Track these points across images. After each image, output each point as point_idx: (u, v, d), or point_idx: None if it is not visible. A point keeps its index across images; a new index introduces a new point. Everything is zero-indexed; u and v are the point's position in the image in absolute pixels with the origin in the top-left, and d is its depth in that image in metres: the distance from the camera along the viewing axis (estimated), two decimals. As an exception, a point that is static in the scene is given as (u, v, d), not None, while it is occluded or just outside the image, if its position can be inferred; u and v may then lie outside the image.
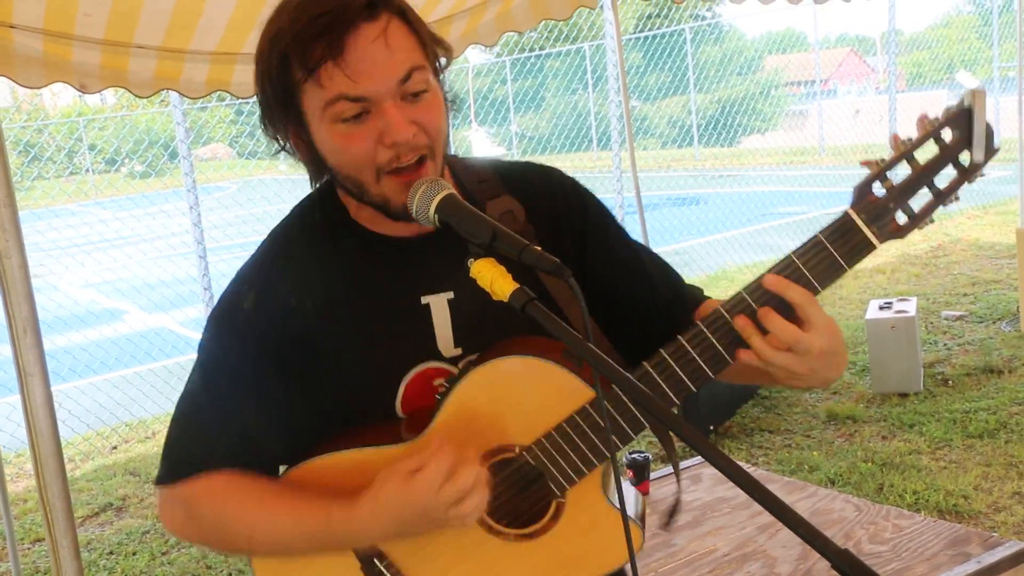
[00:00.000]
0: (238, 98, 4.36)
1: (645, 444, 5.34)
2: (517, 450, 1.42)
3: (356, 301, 1.45)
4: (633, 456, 3.40)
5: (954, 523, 2.96)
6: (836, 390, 5.84)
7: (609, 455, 1.39)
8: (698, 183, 19.29)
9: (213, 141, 24.96)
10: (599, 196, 1.69)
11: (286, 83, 1.34)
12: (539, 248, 1.22)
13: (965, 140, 1.22)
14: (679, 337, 1.35)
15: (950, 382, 5.73)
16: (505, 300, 1.22)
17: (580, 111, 24.33)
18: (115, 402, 6.97)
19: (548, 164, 1.68)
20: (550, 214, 1.53)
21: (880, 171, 1.27)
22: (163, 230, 11.09)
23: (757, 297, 1.31)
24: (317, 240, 1.49)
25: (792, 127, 25.09)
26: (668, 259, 1.70)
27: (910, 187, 1.27)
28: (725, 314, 1.32)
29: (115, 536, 4.76)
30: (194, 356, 1.55)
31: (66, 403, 6.38)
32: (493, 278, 1.23)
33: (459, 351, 1.47)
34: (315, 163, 1.41)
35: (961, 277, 8.60)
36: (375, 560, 1.44)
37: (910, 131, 1.29)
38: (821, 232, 1.31)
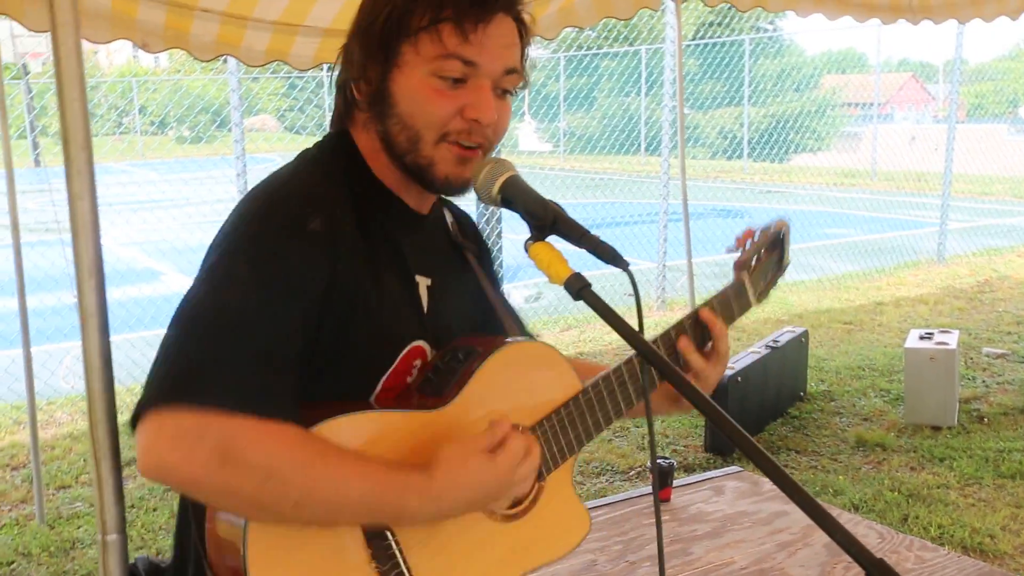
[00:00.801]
0: (295, 70, 4.38)
1: (670, 451, 5.32)
2: (520, 430, 1.44)
3: (386, 260, 1.42)
4: (658, 462, 3.37)
5: (978, 560, 2.91)
6: (868, 416, 5.78)
7: (650, 441, 1.39)
8: (745, 196, 19.14)
9: (263, 112, 25.19)
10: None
11: (400, 22, 1.37)
12: (597, 235, 1.23)
13: (780, 251, 1.85)
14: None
15: (985, 419, 5.63)
16: (560, 284, 1.23)
17: (631, 114, 24.24)
18: (147, 359, 7.01)
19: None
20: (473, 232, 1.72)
21: (750, 255, 1.79)
22: (209, 195, 11.21)
23: (690, 325, 1.66)
24: (348, 186, 1.42)
25: (845, 148, 24.83)
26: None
27: (763, 271, 1.83)
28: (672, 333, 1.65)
29: (138, 491, 4.81)
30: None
31: (100, 356, 6.43)
32: (550, 262, 1.25)
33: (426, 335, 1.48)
34: (378, 102, 1.41)
35: (1006, 315, 8.47)
36: (386, 534, 1.32)
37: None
38: (728, 288, 1.74)
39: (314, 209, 1.32)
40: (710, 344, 1.67)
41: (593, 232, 1.27)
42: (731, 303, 1.73)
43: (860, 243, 12.00)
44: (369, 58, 1.40)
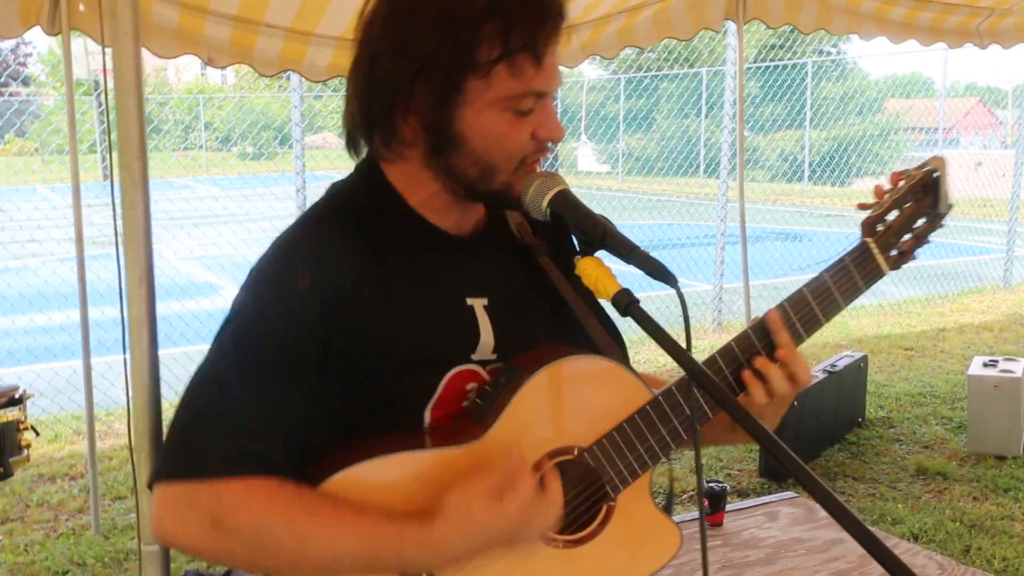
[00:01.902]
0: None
1: (723, 475, 5.25)
2: (576, 452, 1.40)
3: (411, 292, 1.37)
4: (710, 485, 3.32)
5: (1044, 596, 2.81)
6: (929, 444, 5.64)
7: (696, 448, 1.37)
8: (804, 220, 18.89)
9: (324, 130, 25.53)
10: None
11: (466, 58, 1.26)
12: (646, 251, 1.21)
13: (933, 196, 1.51)
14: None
15: (1052, 450, 5.47)
16: (608, 299, 1.21)
17: (690, 136, 24.11)
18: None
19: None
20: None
21: (883, 213, 1.51)
22: (269, 212, 11.37)
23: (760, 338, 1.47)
24: (368, 225, 1.36)
25: (908, 173, 24.35)
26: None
27: (901, 229, 1.52)
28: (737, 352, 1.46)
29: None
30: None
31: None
32: (598, 277, 1.23)
33: (495, 356, 1.43)
34: (440, 139, 1.32)
35: (1075, 345, 8.23)
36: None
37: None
38: (847, 255, 1.50)
39: (301, 267, 1.31)
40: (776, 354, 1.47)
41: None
42: (851, 272, 1.50)
43: (922, 268, 11.75)
44: (430, 98, 1.29)
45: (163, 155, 23.60)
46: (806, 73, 20.94)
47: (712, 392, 1.11)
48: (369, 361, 1.32)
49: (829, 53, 27.80)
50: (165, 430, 1.38)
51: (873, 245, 1.50)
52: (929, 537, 4.38)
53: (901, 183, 1.51)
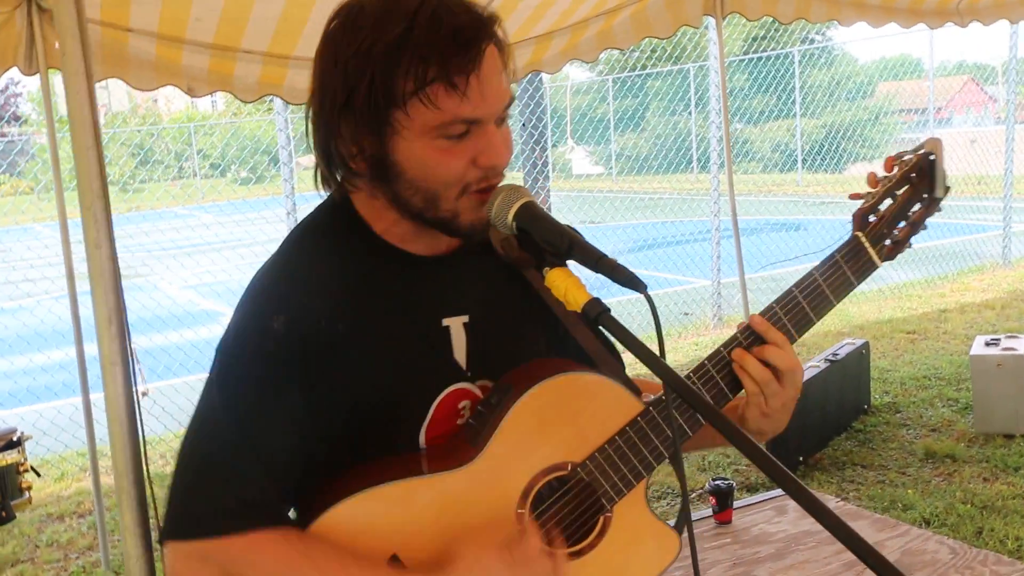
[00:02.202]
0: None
1: (731, 472, 5.22)
2: (569, 467, 1.41)
3: (387, 320, 1.38)
4: (716, 483, 3.30)
5: (1058, 574, 2.78)
6: (936, 427, 5.62)
7: (676, 463, 1.37)
8: (800, 209, 18.87)
9: (317, 150, 25.47)
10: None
11: (384, 91, 1.25)
12: (614, 259, 1.20)
13: (928, 181, 1.47)
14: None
15: (1060, 425, 5.44)
16: (578, 310, 1.20)
17: (681, 132, 24.12)
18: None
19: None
20: None
21: (875, 203, 1.48)
22: (261, 236, 11.37)
23: (746, 337, 1.47)
24: (340, 256, 1.39)
25: (902, 156, 24.31)
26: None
27: (895, 217, 1.49)
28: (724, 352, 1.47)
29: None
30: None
31: (160, 400, 6.56)
32: (567, 288, 1.22)
33: (468, 374, 1.44)
34: (382, 170, 1.32)
35: (1077, 317, 8.21)
36: None
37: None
38: (837, 252, 1.49)
39: (275, 310, 1.34)
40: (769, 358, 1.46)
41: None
42: (841, 268, 1.49)
43: (921, 250, 11.70)
44: (360, 131, 1.29)
45: (158, 185, 23.62)
46: (793, 62, 20.94)
47: (687, 399, 1.10)
48: (355, 394, 1.34)
49: (815, 41, 27.77)
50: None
51: (864, 239, 1.48)
52: (941, 521, 4.35)
53: (895, 168, 1.48)
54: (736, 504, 3.32)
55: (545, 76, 8.26)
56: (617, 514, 1.44)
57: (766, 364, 1.45)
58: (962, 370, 6.47)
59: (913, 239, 1.51)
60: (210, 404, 1.34)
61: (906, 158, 1.48)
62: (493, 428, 1.34)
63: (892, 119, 26.75)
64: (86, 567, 4.65)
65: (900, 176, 1.48)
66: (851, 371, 5.73)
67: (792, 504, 3.34)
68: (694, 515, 3.02)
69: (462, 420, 1.41)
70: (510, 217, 1.29)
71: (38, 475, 4.12)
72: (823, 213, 17.75)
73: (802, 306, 1.47)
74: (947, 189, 1.48)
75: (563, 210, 15.31)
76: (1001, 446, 5.19)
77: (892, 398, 6.21)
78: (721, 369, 1.47)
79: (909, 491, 4.72)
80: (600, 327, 1.20)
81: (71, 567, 4.67)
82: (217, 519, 1.30)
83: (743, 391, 1.48)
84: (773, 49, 22.55)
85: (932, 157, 1.46)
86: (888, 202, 1.48)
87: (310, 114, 1.36)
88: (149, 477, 1.55)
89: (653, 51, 21.12)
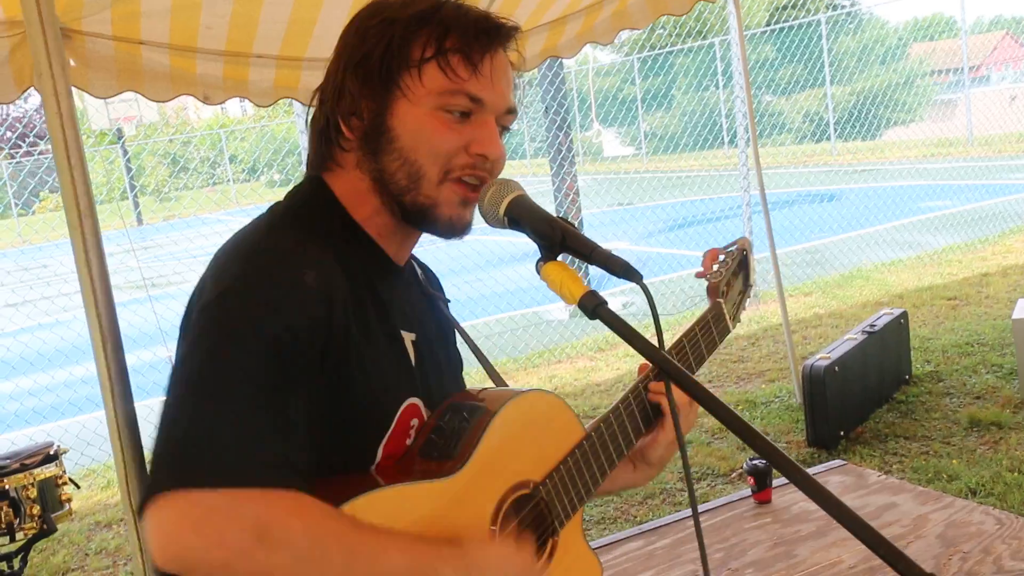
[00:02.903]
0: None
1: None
2: (531, 486, 1.41)
3: (373, 314, 1.34)
4: (755, 463, 3.27)
5: (1109, 541, 2.72)
6: (980, 395, 5.51)
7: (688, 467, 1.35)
8: (833, 179, 18.61)
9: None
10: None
11: (400, 53, 1.31)
12: (607, 250, 1.18)
13: (745, 273, 1.88)
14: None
15: (1108, 386, 5.32)
16: (575, 303, 1.18)
17: (710, 108, 23.91)
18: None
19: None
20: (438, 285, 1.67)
21: (721, 281, 1.79)
22: (299, 235, 11.51)
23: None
24: (329, 243, 1.32)
25: (939, 118, 23.94)
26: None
27: (735, 296, 1.85)
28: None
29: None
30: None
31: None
32: (563, 281, 1.21)
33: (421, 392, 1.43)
34: (375, 137, 1.33)
35: (1123, 275, 8.02)
36: None
37: None
38: (705, 315, 1.74)
39: (306, 263, 1.24)
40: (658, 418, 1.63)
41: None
42: (711, 328, 1.74)
43: (960, 214, 11.53)
44: (365, 91, 1.32)
45: (192, 193, 23.90)
46: (820, 30, 20.65)
47: (687, 387, 1.08)
48: (348, 378, 1.27)
49: (843, 6, 27.36)
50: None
51: (724, 305, 1.78)
52: (987, 491, 4.27)
53: (723, 258, 1.82)
54: (775, 483, 3.28)
55: (568, 61, 8.22)
56: (562, 539, 1.46)
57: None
58: (1006, 335, 6.35)
59: (741, 316, 1.89)
60: (230, 333, 1.16)
61: (728, 251, 1.85)
62: (475, 441, 1.32)
63: (926, 81, 26.29)
64: (134, 572, 4.72)
65: (732, 263, 1.83)
66: (890, 341, 5.64)
67: (833, 480, 3.29)
68: (733, 496, 3.00)
69: (410, 440, 1.36)
70: (502, 211, 1.28)
71: (77, 487, 4.18)
72: (858, 182, 17.52)
73: (688, 355, 1.70)
74: (752, 284, 1.90)
75: (591, 194, 15.21)
76: (1048, 411, 5.09)
77: (934, 367, 6.11)
78: (638, 403, 1.59)
79: (954, 461, 4.64)
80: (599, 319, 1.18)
81: (120, 573, 4.75)
82: (266, 466, 1.09)
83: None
84: (798, 18, 22.22)
85: (745, 252, 1.86)
86: (729, 281, 1.82)
87: (320, 91, 1.39)
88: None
89: (676, 28, 20.93)
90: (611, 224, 14.63)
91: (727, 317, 1.78)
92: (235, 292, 1.19)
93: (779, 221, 5.36)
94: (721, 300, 1.77)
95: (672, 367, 1.08)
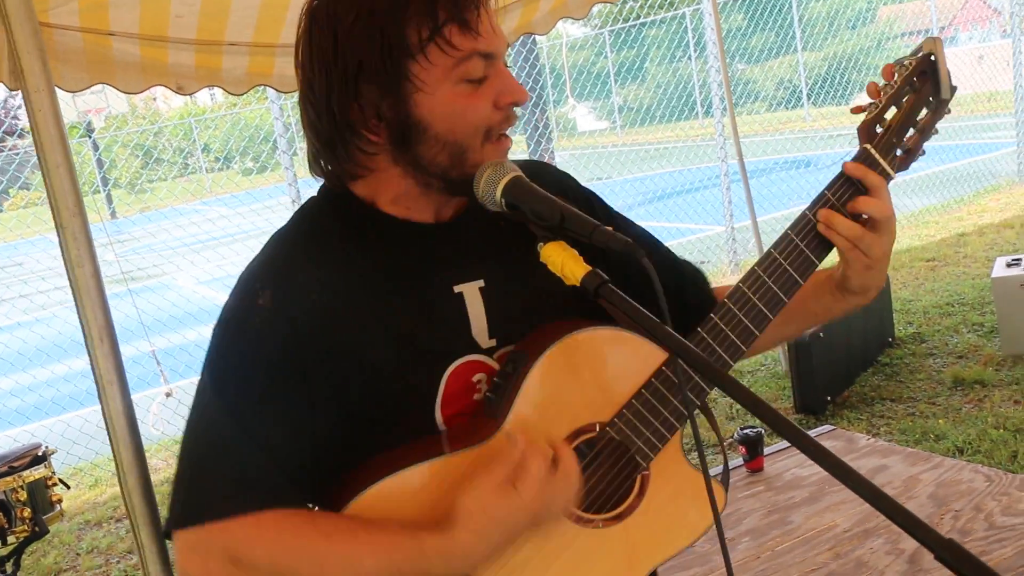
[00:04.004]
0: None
1: (757, 419, 5.20)
2: (597, 428, 1.35)
3: (388, 292, 1.33)
4: (746, 432, 3.30)
5: (1099, 492, 2.76)
6: (962, 354, 5.56)
7: (688, 415, 1.31)
8: (808, 145, 18.67)
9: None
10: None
11: (398, 46, 1.25)
12: (610, 228, 1.16)
13: (933, 83, 1.42)
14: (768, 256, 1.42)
15: (1089, 340, 5.37)
16: (577, 284, 1.17)
17: (683, 79, 23.87)
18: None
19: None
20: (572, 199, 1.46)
21: (879, 112, 1.43)
22: (268, 225, 11.38)
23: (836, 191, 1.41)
24: (333, 236, 1.36)
25: (909, 80, 23.95)
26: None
27: (902, 126, 1.43)
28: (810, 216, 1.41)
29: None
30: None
31: (185, 399, 6.54)
32: (564, 261, 1.19)
33: (493, 342, 1.38)
34: (405, 133, 1.29)
35: (1098, 229, 8.10)
36: None
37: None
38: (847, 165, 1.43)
39: (261, 285, 1.31)
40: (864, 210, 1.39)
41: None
42: (855, 184, 1.43)
43: (934, 175, 11.57)
44: (376, 95, 1.27)
45: (167, 184, 23.66)
46: (790, -3, 20.63)
47: (697, 366, 1.07)
48: (361, 374, 1.30)
49: (811, -28, 27.33)
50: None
51: (873, 151, 1.42)
52: (974, 448, 4.32)
53: (896, 75, 1.42)
54: (766, 451, 3.30)
55: (540, 36, 8.20)
56: (655, 471, 1.38)
57: (858, 218, 1.40)
58: (985, 293, 6.41)
59: (925, 146, 1.47)
60: (205, 393, 1.31)
61: (906, 63, 1.43)
62: (512, 398, 1.29)
63: (896, 43, 26.35)
64: (127, 570, 4.71)
65: (902, 82, 1.42)
66: (872, 305, 5.60)
67: (823, 445, 3.33)
68: (721, 468, 3.00)
69: (479, 395, 1.36)
70: (498, 194, 1.26)
71: (67, 487, 4.15)
72: (832, 147, 17.56)
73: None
74: (954, 89, 1.43)
75: (569, 169, 14.93)
76: (1030, 366, 5.14)
77: (916, 328, 6.16)
78: (807, 235, 1.41)
79: (940, 421, 4.68)
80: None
81: (112, 571, 4.73)
82: (220, 503, 1.25)
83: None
84: (768, -15, 22.19)
85: (933, 58, 1.41)
86: (893, 111, 1.43)
87: (307, 114, 1.33)
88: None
89: (648, 0, 20.86)
90: (589, 199, 14.63)
91: (880, 162, 1.42)
92: (219, 325, 1.33)
93: (756, 189, 5.37)
94: (869, 146, 1.43)
95: (681, 346, 1.06)
